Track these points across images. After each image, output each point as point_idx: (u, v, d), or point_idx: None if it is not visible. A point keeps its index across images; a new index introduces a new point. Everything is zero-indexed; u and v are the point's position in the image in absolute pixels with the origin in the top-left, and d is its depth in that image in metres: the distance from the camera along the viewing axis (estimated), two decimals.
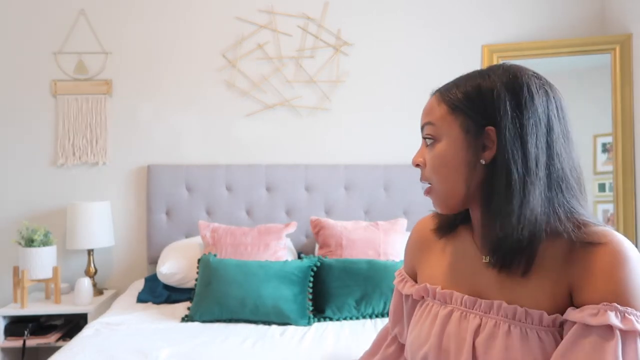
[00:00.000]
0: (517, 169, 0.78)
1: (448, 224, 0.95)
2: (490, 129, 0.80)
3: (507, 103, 0.79)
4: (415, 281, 1.00)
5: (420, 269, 0.99)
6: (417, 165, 0.88)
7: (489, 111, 0.80)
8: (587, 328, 0.73)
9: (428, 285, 0.93)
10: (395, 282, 1.05)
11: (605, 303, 0.73)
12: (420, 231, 1.02)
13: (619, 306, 0.72)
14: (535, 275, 0.79)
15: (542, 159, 0.79)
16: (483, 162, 0.81)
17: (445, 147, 0.83)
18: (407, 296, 1.00)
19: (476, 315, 0.84)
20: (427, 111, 0.87)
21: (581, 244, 0.76)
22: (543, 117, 0.79)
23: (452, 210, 0.87)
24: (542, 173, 0.78)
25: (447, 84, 0.88)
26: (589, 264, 0.75)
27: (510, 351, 0.78)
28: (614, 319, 0.71)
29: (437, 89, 0.89)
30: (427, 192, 0.88)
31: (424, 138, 0.87)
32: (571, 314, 0.76)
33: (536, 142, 0.78)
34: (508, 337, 0.79)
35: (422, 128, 0.88)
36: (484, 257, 0.86)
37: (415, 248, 1.02)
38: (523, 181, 0.78)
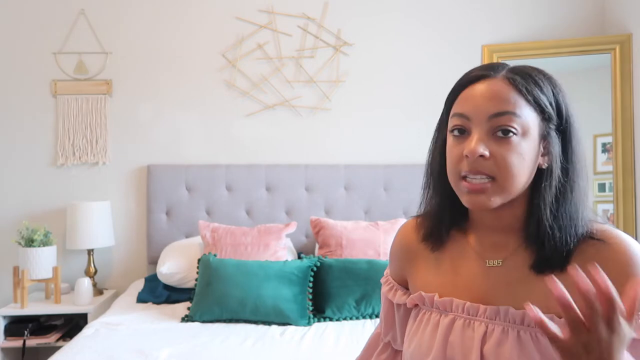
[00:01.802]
0: (583, 176, 0.81)
1: (439, 233, 0.90)
2: (555, 136, 0.80)
3: (573, 114, 0.81)
4: (405, 287, 0.97)
5: (412, 278, 0.95)
6: (481, 156, 0.77)
7: (561, 121, 0.81)
8: (635, 341, 0.73)
9: (423, 294, 0.89)
10: (383, 290, 1.00)
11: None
12: (405, 238, 0.97)
13: None
14: (542, 277, 0.79)
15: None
16: (545, 166, 0.80)
17: (527, 145, 0.78)
18: (399, 305, 0.96)
19: (481, 323, 0.81)
20: (505, 99, 0.78)
21: (590, 243, 0.78)
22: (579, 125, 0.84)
23: (491, 208, 0.80)
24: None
25: (519, 74, 0.80)
26: (608, 267, 0.75)
27: (523, 358, 0.76)
28: None
29: (498, 67, 0.82)
30: (484, 187, 0.78)
31: (502, 128, 0.77)
32: None
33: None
34: (519, 343, 0.77)
35: (497, 115, 0.77)
36: (487, 261, 0.84)
37: (402, 256, 0.97)
38: (585, 185, 0.81)
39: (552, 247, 0.78)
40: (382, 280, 1.02)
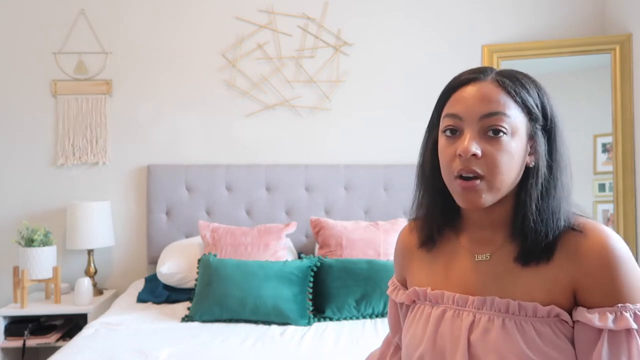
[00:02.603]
0: (567, 174, 0.85)
1: (432, 236, 0.94)
2: (541, 136, 0.84)
3: (557, 115, 0.85)
4: (407, 288, 1.01)
5: (409, 276, 1.00)
6: (473, 155, 0.80)
7: (546, 122, 0.84)
8: (613, 334, 0.77)
9: (417, 288, 0.93)
10: (388, 291, 1.05)
11: (619, 305, 0.77)
12: (403, 241, 1.03)
13: (631, 306, 0.77)
14: (527, 268, 0.83)
15: None
16: (532, 164, 0.83)
17: (516, 144, 0.81)
18: (401, 304, 1.01)
19: (469, 313, 0.85)
20: (496, 100, 0.81)
21: (572, 236, 0.82)
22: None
23: (485, 205, 0.82)
24: None
25: (507, 77, 0.83)
26: (586, 259, 0.80)
27: (508, 344, 0.79)
28: (632, 322, 0.76)
29: (486, 70, 0.85)
30: (474, 185, 0.80)
31: (493, 128, 0.80)
32: (587, 317, 0.78)
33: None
34: (504, 331, 0.80)
35: (488, 115, 0.80)
36: (476, 255, 0.88)
37: (401, 257, 1.03)
38: (568, 182, 0.85)
39: (533, 240, 0.82)
40: (389, 282, 1.07)
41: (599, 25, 3.07)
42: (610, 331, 0.77)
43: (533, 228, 0.82)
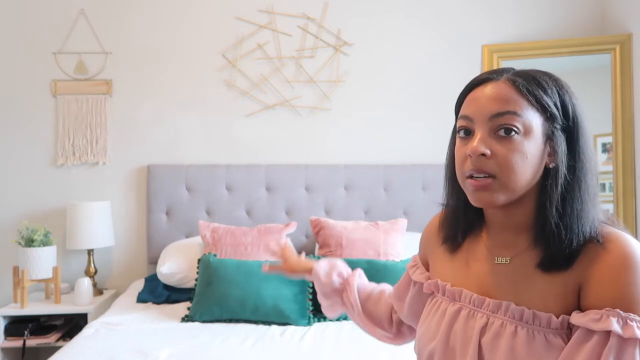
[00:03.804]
0: (592, 177, 0.82)
1: (456, 237, 0.94)
2: (560, 135, 0.81)
3: (580, 114, 0.83)
4: (427, 270, 1.03)
5: (432, 263, 1.01)
6: (482, 155, 0.80)
7: (568, 121, 0.82)
8: (589, 333, 0.74)
9: (439, 282, 0.93)
10: (408, 265, 1.08)
11: (608, 308, 0.74)
12: (433, 227, 1.02)
13: (621, 312, 0.73)
14: (546, 275, 0.80)
15: None
16: (552, 165, 0.81)
17: (530, 144, 0.79)
18: (415, 282, 1.03)
19: (483, 315, 0.84)
20: (506, 100, 0.80)
21: (593, 244, 0.78)
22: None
23: (497, 205, 0.82)
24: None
25: (522, 76, 0.82)
26: (596, 266, 0.77)
27: (516, 352, 0.78)
28: (615, 325, 0.72)
29: (503, 71, 0.84)
30: (485, 184, 0.80)
31: (504, 127, 0.79)
32: (576, 318, 0.76)
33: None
34: (514, 338, 0.79)
35: (498, 115, 0.80)
36: (496, 258, 0.87)
37: (427, 243, 1.04)
38: (594, 185, 0.82)
39: (557, 246, 0.79)
40: (412, 257, 1.10)
41: (599, 25, 3.07)
42: (589, 330, 0.73)
43: (556, 233, 0.79)
